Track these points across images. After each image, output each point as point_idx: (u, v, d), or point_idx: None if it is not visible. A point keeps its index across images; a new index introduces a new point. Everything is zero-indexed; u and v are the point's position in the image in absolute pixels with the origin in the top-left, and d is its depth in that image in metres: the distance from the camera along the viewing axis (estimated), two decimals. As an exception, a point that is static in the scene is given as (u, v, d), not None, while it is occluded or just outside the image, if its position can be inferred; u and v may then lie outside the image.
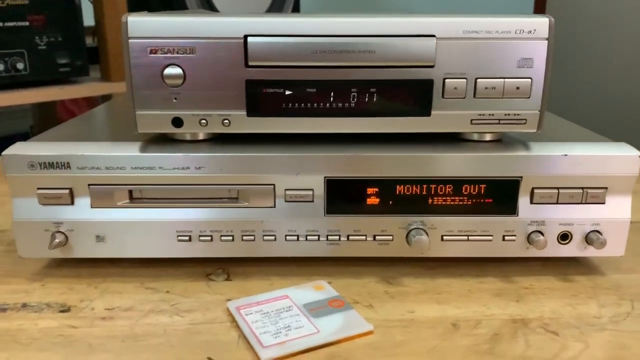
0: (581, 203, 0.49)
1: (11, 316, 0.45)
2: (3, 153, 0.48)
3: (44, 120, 1.63)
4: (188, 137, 0.51)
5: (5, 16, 0.98)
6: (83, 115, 0.66)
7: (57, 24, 1.04)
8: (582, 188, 0.49)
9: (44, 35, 1.02)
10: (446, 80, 0.46)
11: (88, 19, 1.18)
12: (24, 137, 1.79)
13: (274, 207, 0.50)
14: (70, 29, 1.06)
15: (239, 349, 0.41)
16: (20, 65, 1.01)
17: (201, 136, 0.51)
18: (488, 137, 0.51)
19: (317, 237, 0.50)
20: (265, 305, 0.45)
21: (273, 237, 0.50)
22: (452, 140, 0.52)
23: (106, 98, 1.66)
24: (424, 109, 0.47)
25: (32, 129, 1.85)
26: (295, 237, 0.50)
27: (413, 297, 0.48)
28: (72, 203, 0.49)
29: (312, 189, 0.49)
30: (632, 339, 0.42)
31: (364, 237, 0.50)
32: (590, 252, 0.51)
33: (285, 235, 0.50)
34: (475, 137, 0.51)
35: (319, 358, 0.40)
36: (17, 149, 0.48)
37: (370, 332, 0.42)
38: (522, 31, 0.46)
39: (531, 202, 0.50)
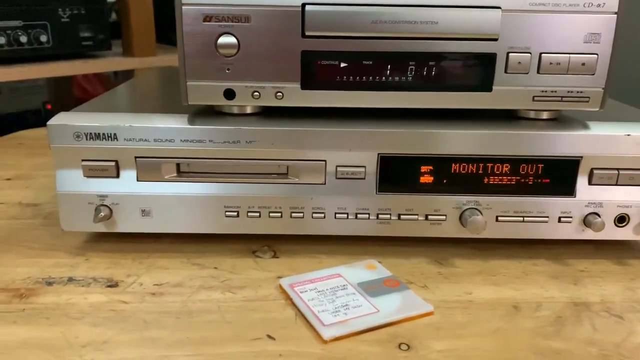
0: (641, 185, 0.48)
1: (59, 290, 0.44)
2: (48, 123, 0.46)
3: (59, 97, 1.61)
4: (236, 111, 0.49)
5: (28, -13, 0.96)
6: (119, 87, 0.64)
7: (80, -4, 1.02)
8: (644, 169, 0.47)
9: (67, 8, 1.00)
10: (510, 54, 0.45)
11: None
12: (37, 113, 1.79)
13: (325, 183, 0.48)
14: (93, 2, 1.04)
15: (297, 326, 0.40)
16: (43, 38, 0.99)
17: (249, 110, 0.49)
18: (545, 115, 0.50)
19: (367, 216, 0.49)
20: (318, 283, 0.44)
21: (322, 215, 0.49)
22: (508, 118, 0.50)
23: (122, 75, 1.64)
24: (485, 84, 0.46)
25: (44, 105, 1.83)
26: (345, 215, 0.49)
27: (468, 279, 0.47)
28: (118, 176, 0.48)
29: (364, 166, 0.48)
30: (699, 325, 0.41)
31: (416, 217, 0.49)
32: (648, 235, 0.49)
33: (335, 213, 0.49)
34: (532, 114, 0.50)
35: (381, 338, 0.39)
36: (63, 118, 0.47)
37: (430, 313, 0.41)
38: (590, 4, 0.44)
39: (589, 183, 0.48)
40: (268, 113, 0.49)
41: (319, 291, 0.43)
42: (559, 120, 0.50)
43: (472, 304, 0.43)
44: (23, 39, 0.96)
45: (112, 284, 0.45)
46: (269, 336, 0.39)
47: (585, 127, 0.48)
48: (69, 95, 1.62)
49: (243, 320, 0.40)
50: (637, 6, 0.89)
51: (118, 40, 1.16)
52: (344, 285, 0.44)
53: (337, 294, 0.43)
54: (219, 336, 0.39)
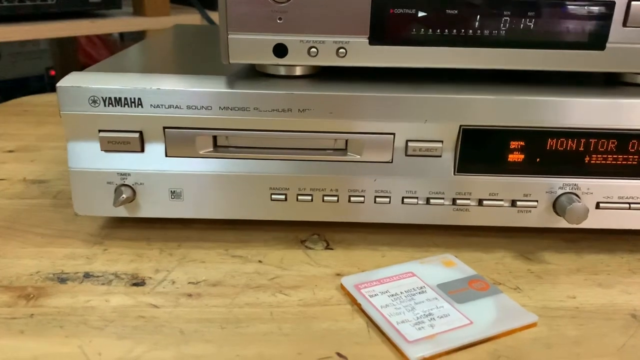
0: None
1: (74, 289, 0.36)
2: (58, 84, 0.38)
3: (63, 62, 1.51)
4: (283, 72, 0.40)
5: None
6: (134, 46, 0.55)
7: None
8: None
9: (73, -40, 0.90)
10: (632, 2, 0.36)
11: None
12: (39, 79, 1.69)
13: (391, 162, 0.40)
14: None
15: (372, 342, 0.32)
16: (46, -6, 0.89)
17: (299, 71, 0.41)
18: (658, 82, 0.41)
19: (442, 201, 0.41)
20: (390, 285, 0.36)
21: (387, 200, 0.41)
22: (611, 84, 0.41)
23: (130, 38, 1.54)
24: (597, 41, 0.37)
25: (47, 70, 1.73)
26: (415, 200, 0.41)
27: (566, 279, 0.39)
28: (143, 150, 0.39)
29: (441, 141, 0.39)
30: None
31: (501, 202, 0.41)
32: None
33: (403, 198, 0.41)
34: (642, 80, 0.41)
35: (480, 358, 0.31)
36: (77, 79, 0.38)
37: (534, 325, 0.33)
38: None
39: None
40: (323, 75, 0.41)
41: (392, 295, 0.35)
42: (675, 88, 0.41)
43: (581, 312, 0.35)
44: (24, -6, 0.87)
45: (139, 282, 0.37)
46: (339, 355, 0.31)
47: None
48: (74, 60, 1.53)
49: (304, 331, 0.33)
50: None
51: (128, 0, 1.07)
52: (421, 288, 0.36)
53: (415, 299, 0.35)
54: (277, 353, 0.31)
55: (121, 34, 1.67)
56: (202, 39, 0.59)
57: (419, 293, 0.35)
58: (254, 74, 0.41)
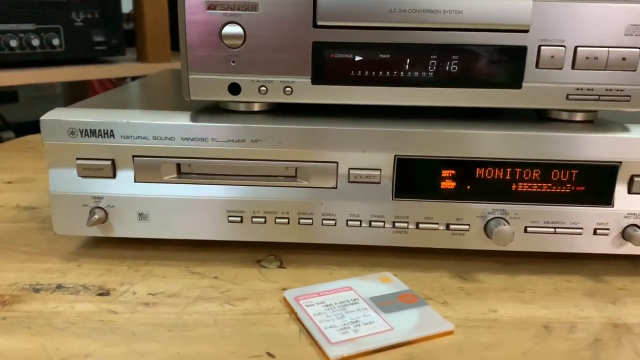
0: (688, 194, 0.43)
1: (45, 297, 0.41)
2: (42, 118, 0.43)
3: (75, 105, 1.60)
4: (242, 108, 0.46)
5: (42, -10, 0.94)
6: (122, 86, 0.61)
7: (95, 0, 1.01)
8: (691, 177, 0.43)
9: (81, 11, 0.98)
10: (542, 47, 0.41)
11: (125, 6, 1.15)
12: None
13: (336, 187, 0.44)
14: (107, 6, 1.03)
15: (301, 344, 0.36)
16: (55, 42, 0.97)
17: (257, 107, 0.46)
18: (579, 117, 0.45)
19: (382, 224, 0.45)
20: (327, 297, 0.40)
21: (333, 222, 0.45)
22: (538, 120, 0.46)
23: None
24: (515, 81, 0.42)
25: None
26: (358, 223, 0.45)
27: (493, 295, 0.42)
28: (114, 176, 0.44)
29: (379, 169, 0.44)
30: None
31: (436, 226, 0.45)
32: (695, 251, 0.44)
33: (347, 220, 0.45)
34: (565, 116, 0.45)
35: (395, 359, 0.34)
36: (57, 114, 0.44)
37: (451, 332, 0.37)
38: (632, -7, 0.40)
39: (629, 192, 0.43)
40: (277, 111, 0.46)
41: (326, 305, 0.39)
42: (594, 123, 0.45)
43: (498, 323, 0.38)
44: (35, 42, 0.95)
45: (104, 292, 0.41)
46: (268, 354, 0.34)
47: (625, 129, 0.43)
48: (86, 103, 1.61)
49: (242, 335, 0.36)
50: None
51: (133, 48, 1.15)
52: (354, 300, 0.40)
53: (346, 308, 0.38)
54: (214, 352, 0.35)
55: (133, 77, 1.76)
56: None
57: (352, 304, 0.39)
58: (218, 110, 0.46)
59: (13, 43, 0.93)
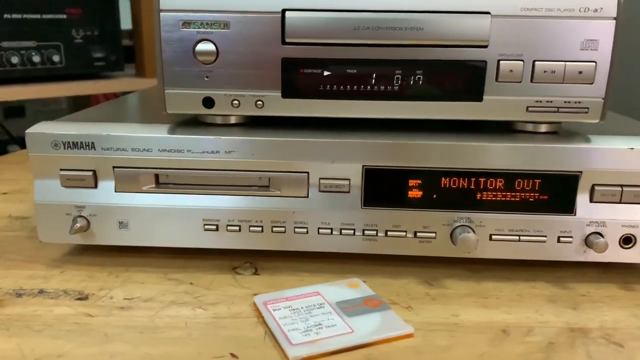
0: (648, 203, 0.44)
1: (27, 302, 0.42)
2: (27, 131, 0.46)
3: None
4: (219, 121, 0.48)
5: (43, 8, 0.98)
6: (111, 101, 0.63)
7: (94, 17, 1.04)
8: (650, 186, 0.44)
9: (81, 28, 1.02)
10: (501, 62, 0.42)
11: (125, 23, 1.18)
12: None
13: (307, 197, 0.46)
14: (106, 23, 1.06)
15: (265, 346, 0.37)
16: (56, 58, 1.00)
17: (233, 120, 0.48)
18: (543, 129, 0.47)
19: (352, 232, 0.46)
20: (294, 301, 0.42)
21: (305, 230, 0.47)
22: (504, 131, 0.47)
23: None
24: (475, 94, 0.43)
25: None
26: (329, 231, 0.46)
27: (457, 300, 0.44)
28: (96, 186, 0.47)
29: (348, 179, 0.45)
30: None
31: (404, 234, 0.46)
32: (657, 258, 0.45)
33: (318, 228, 0.47)
34: (530, 127, 0.47)
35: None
36: (41, 127, 0.46)
37: (410, 335, 0.38)
38: (587, 9, 0.41)
39: (591, 201, 0.45)
40: (252, 124, 0.48)
41: (293, 309, 0.40)
42: (558, 134, 0.47)
43: (458, 327, 0.40)
44: (36, 58, 0.98)
45: (82, 297, 0.43)
46: (232, 355, 0.36)
47: (585, 140, 0.45)
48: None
49: (209, 337, 0.38)
50: (638, 11, 0.85)
51: (132, 64, 1.18)
52: (321, 304, 0.41)
53: (311, 312, 0.40)
54: (181, 353, 0.36)
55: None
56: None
57: (317, 308, 0.41)
58: (196, 123, 0.48)
59: (14, 60, 0.96)
